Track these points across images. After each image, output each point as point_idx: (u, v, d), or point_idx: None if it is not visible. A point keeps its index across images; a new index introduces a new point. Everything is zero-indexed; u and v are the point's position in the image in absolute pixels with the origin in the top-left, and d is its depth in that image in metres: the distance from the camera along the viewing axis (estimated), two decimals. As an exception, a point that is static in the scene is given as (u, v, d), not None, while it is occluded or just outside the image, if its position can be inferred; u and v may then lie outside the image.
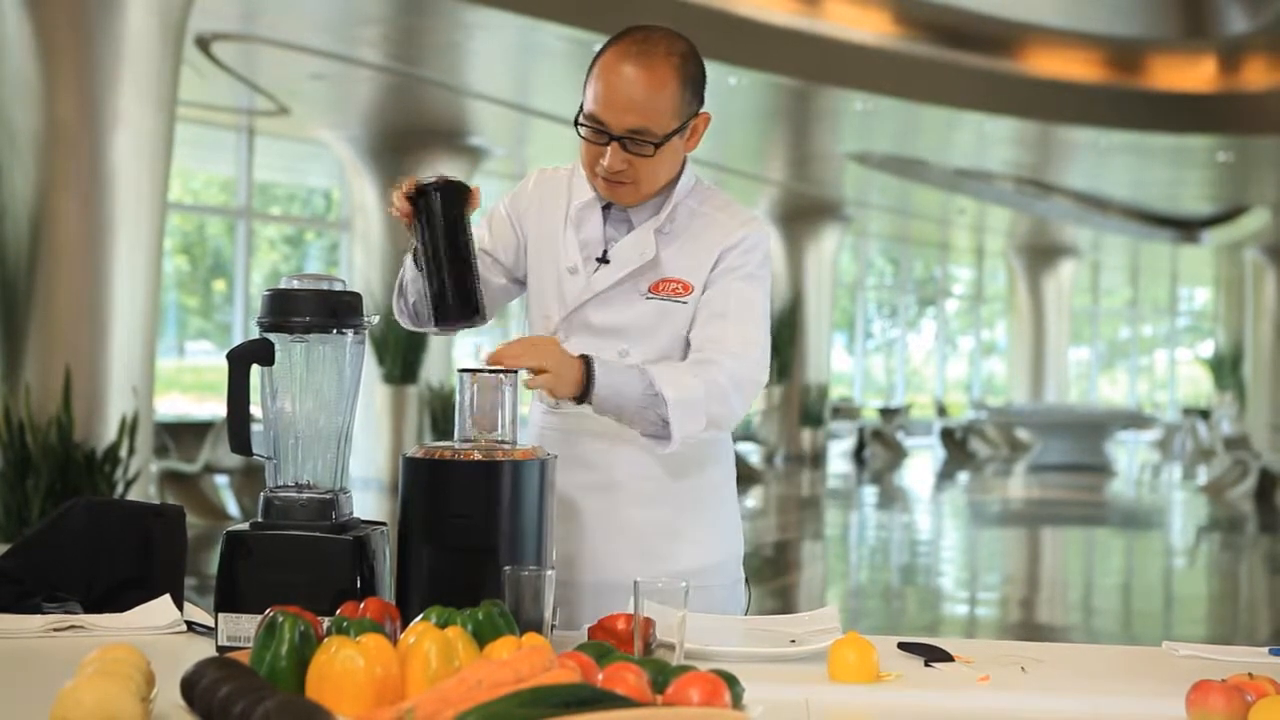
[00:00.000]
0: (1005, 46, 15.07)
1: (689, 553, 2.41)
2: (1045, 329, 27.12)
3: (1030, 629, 8.05)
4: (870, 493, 17.49)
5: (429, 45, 11.91)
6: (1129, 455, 24.96)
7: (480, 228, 2.51)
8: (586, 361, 2.24)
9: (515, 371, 2.17)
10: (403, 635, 1.69)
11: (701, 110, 2.39)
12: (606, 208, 2.44)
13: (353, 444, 2.16)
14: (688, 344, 2.41)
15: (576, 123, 2.33)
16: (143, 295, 7.65)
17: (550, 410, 2.45)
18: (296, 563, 2.01)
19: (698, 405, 2.29)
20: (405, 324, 2.51)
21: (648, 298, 2.39)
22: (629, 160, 2.32)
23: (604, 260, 2.41)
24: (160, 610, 2.18)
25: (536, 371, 2.17)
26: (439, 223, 2.23)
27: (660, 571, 2.35)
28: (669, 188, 2.42)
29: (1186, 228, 22.65)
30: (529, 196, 2.51)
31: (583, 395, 2.23)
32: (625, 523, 2.40)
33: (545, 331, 2.44)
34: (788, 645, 2.10)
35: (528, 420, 2.54)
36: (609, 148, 2.31)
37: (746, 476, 17.23)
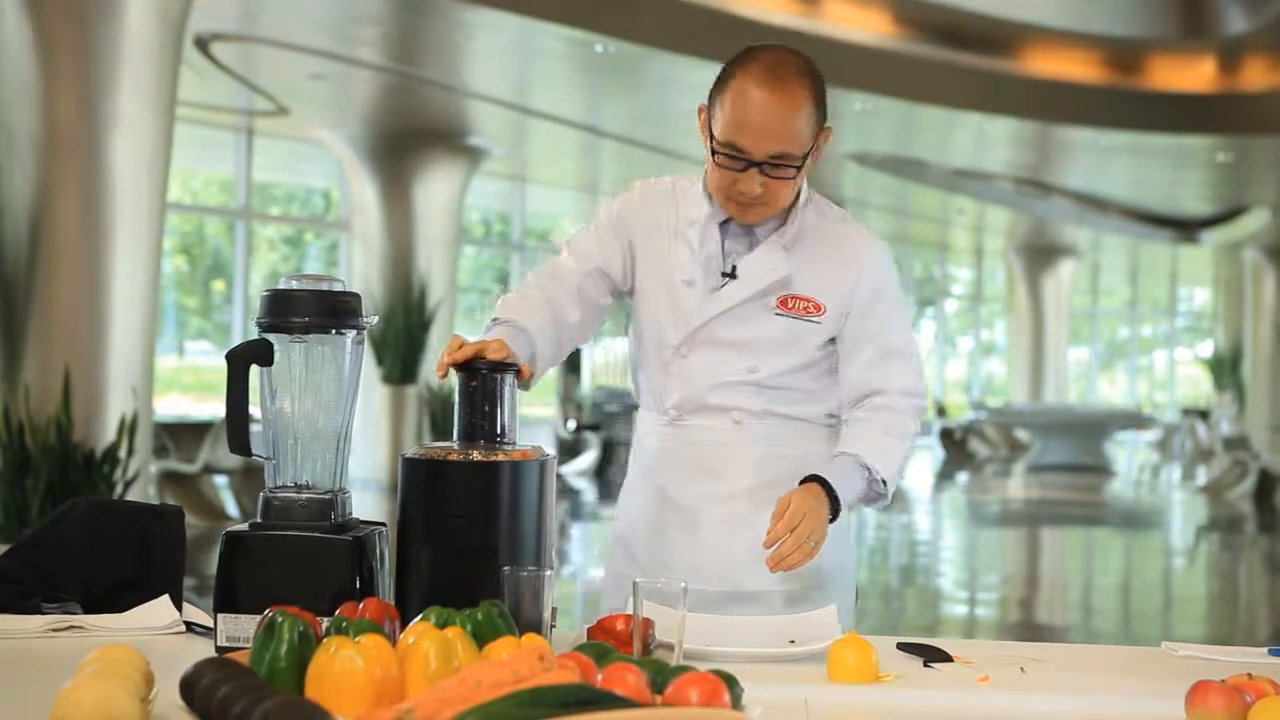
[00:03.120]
0: (1004, 47, 15.07)
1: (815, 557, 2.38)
2: (1044, 329, 27.12)
3: (1029, 629, 8.05)
4: (869, 493, 17.46)
5: (428, 45, 11.90)
6: (1128, 455, 24.97)
7: (588, 240, 2.50)
8: (828, 490, 2.29)
9: (514, 370, 2.17)
10: (402, 635, 1.69)
11: (825, 124, 2.38)
12: (725, 222, 2.43)
13: (352, 444, 2.15)
14: (822, 363, 2.44)
15: (712, 150, 2.33)
16: (142, 295, 7.64)
17: (671, 423, 2.46)
18: (296, 563, 2.01)
19: (902, 466, 2.42)
20: None
21: (777, 314, 2.41)
22: (766, 184, 2.32)
23: (731, 275, 2.41)
24: (159, 611, 2.18)
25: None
26: (479, 400, 2.15)
27: (789, 575, 2.35)
28: (793, 200, 2.42)
29: (1186, 228, 22.65)
30: (636, 208, 2.49)
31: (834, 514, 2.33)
32: (750, 530, 2.36)
33: (665, 346, 2.44)
34: (787, 645, 2.10)
35: (636, 431, 2.56)
36: (746, 173, 2.31)
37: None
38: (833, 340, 2.44)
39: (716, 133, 2.32)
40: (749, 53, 2.34)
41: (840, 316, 2.42)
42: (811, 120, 2.32)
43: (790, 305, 2.40)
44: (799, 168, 2.32)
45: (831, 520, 2.31)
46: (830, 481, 2.31)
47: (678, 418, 2.44)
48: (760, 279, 2.39)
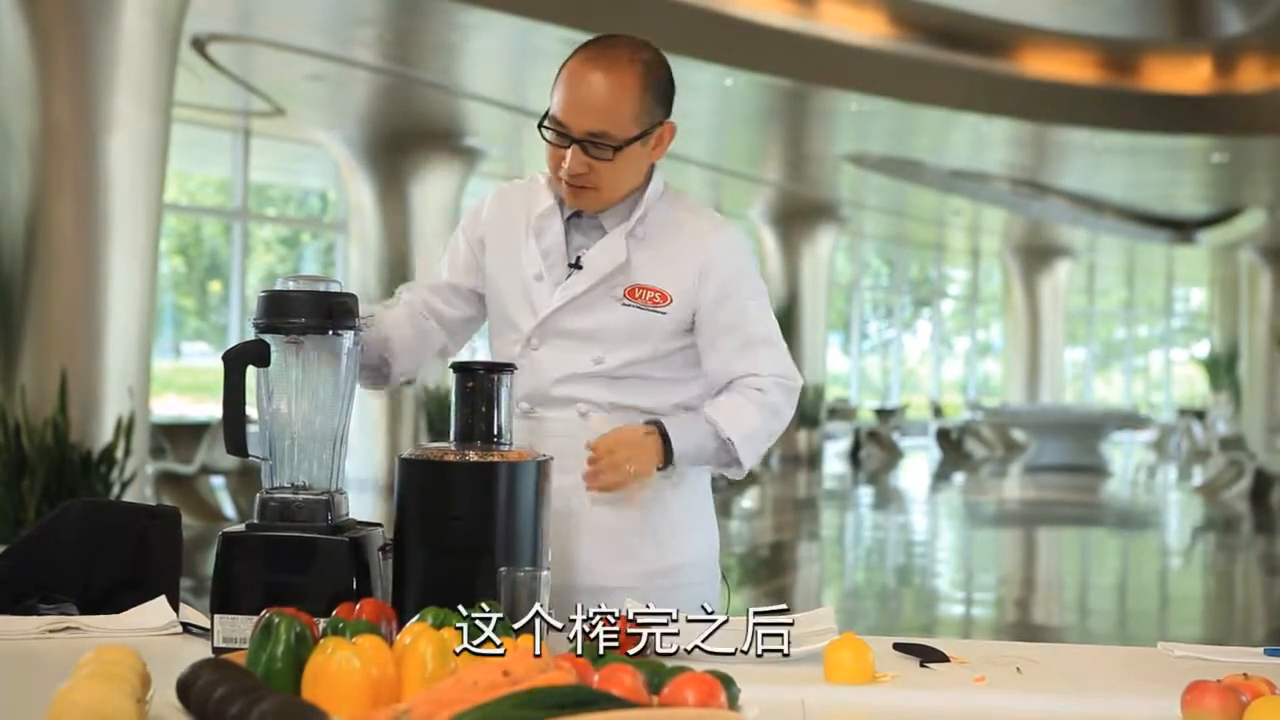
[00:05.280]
0: (1001, 47, 15.08)
1: (662, 552, 2.42)
2: (1040, 330, 27.14)
3: (1026, 629, 8.05)
4: (866, 493, 17.49)
5: (425, 46, 11.90)
6: (1124, 456, 24.98)
7: (443, 260, 2.55)
8: (661, 432, 2.33)
9: (511, 371, 2.18)
10: (398, 636, 1.69)
11: (667, 120, 2.39)
12: (577, 215, 2.44)
13: (349, 445, 2.15)
14: (674, 356, 2.43)
15: (540, 125, 2.36)
16: (139, 296, 7.64)
17: (523, 415, 2.42)
18: (292, 564, 2.01)
19: (761, 435, 2.42)
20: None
21: (624, 304, 2.40)
22: (590, 164, 2.33)
23: (577, 266, 2.41)
24: (156, 612, 2.18)
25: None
26: (476, 400, 2.16)
27: (635, 572, 2.38)
28: (638, 193, 2.42)
29: (1182, 228, 22.67)
30: (486, 214, 2.52)
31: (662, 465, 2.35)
32: (596, 525, 2.39)
33: (517, 340, 2.43)
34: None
35: None
36: (570, 150, 2.32)
37: (742, 478, 17.20)
38: (687, 332, 2.43)
39: (549, 109, 2.36)
40: (596, 37, 2.38)
41: (687, 307, 2.39)
42: (637, 104, 2.32)
43: (637, 296, 2.39)
44: (618, 149, 2.31)
45: (664, 466, 2.34)
46: (666, 427, 2.34)
47: (529, 410, 2.43)
48: (603, 267, 2.39)
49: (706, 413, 2.39)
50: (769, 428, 2.44)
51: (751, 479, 17.34)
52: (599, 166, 2.33)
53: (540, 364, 2.41)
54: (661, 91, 2.36)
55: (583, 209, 2.41)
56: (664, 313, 2.39)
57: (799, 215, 20.82)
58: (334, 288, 2.12)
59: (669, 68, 2.40)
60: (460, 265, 2.51)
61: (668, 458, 2.34)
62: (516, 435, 2.31)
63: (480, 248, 2.50)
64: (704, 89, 13.33)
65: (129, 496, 7.27)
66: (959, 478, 19.68)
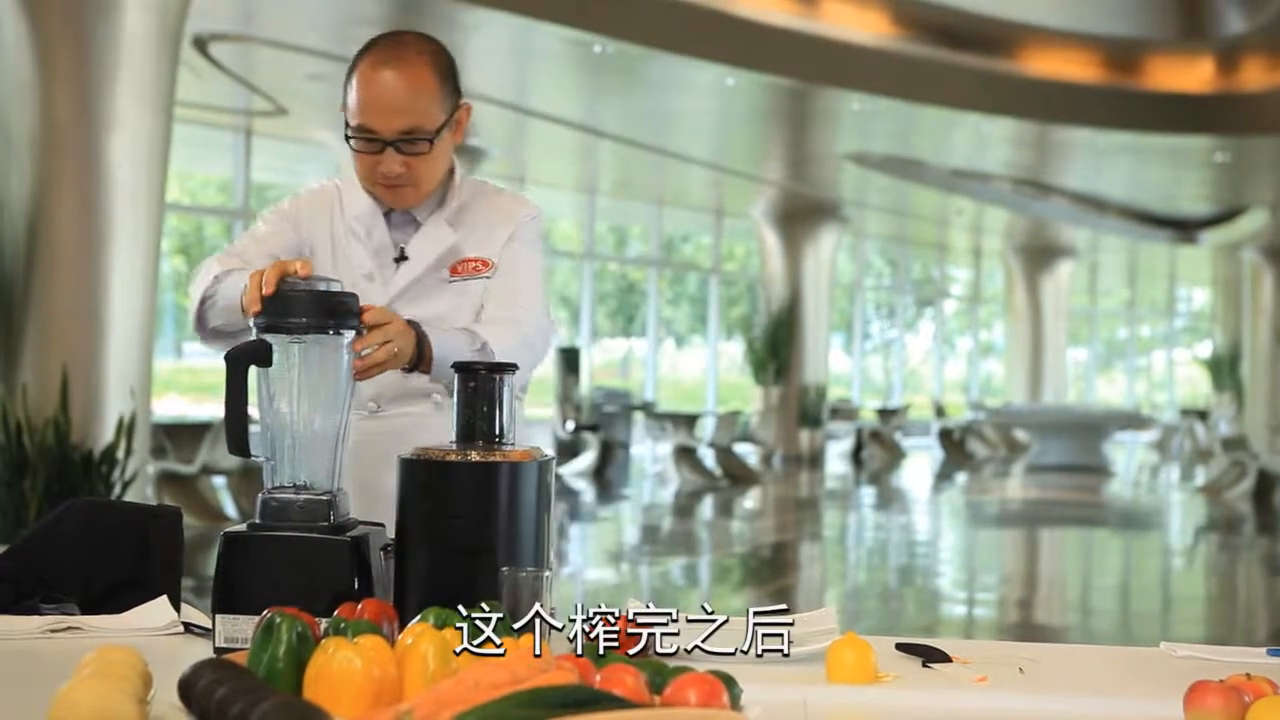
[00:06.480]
0: (1003, 47, 15.08)
1: None
2: (1043, 330, 27.14)
3: (1028, 630, 8.05)
4: (868, 493, 17.49)
5: (426, 46, 11.90)
6: (1127, 456, 24.97)
7: (261, 230, 2.52)
8: (415, 327, 2.25)
9: (512, 370, 2.17)
10: (400, 636, 1.69)
11: (463, 101, 2.47)
12: (388, 214, 2.50)
13: (350, 445, 2.15)
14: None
15: (347, 137, 2.40)
16: (140, 296, 7.64)
17: (370, 415, 2.45)
18: (294, 564, 2.00)
19: (519, 355, 2.33)
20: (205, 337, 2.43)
21: (450, 282, 2.47)
22: (406, 163, 2.40)
23: (402, 258, 2.47)
24: (157, 611, 2.18)
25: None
26: (477, 400, 2.12)
27: None
28: (447, 181, 2.50)
29: (1184, 228, 22.67)
30: (307, 209, 2.54)
31: (419, 361, 2.25)
32: None
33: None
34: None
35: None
36: (384, 154, 2.38)
37: (744, 478, 17.22)
38: None
39: (349, 119, 2.39)
40: (373, 39, 2.42)
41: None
42: (439, 95, 2.39)
43: (460, 269, 2.48)
44: (431, 141, 2.38)
45: (414, 368, 2.25)
46: (415, 322, 2.25)
47: (377, 410, 2.46)
48: (430, 253, 2.46)
49: (467, 327, 2.35)
50: (522, 357, 2.36)
51: (753, 479, 17.34)
52: (415, 163, 2.40)
53: None
54: (453, 76, 2.44)
55: (401, 207, 2.48)
56: (487, 277, 2.48)
57: (801, 215, 20.82)
58: (335, 287, 2.12)
59: (450, 53, 2.47)
60: (281, 236, 2.48)
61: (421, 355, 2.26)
62: (365, 437, 2.35)
63: (307, 234, 2.51)
64: (706, 88, 13.34)
65: (130, 496, 7.27)
66: (961, 478, 19.67)
